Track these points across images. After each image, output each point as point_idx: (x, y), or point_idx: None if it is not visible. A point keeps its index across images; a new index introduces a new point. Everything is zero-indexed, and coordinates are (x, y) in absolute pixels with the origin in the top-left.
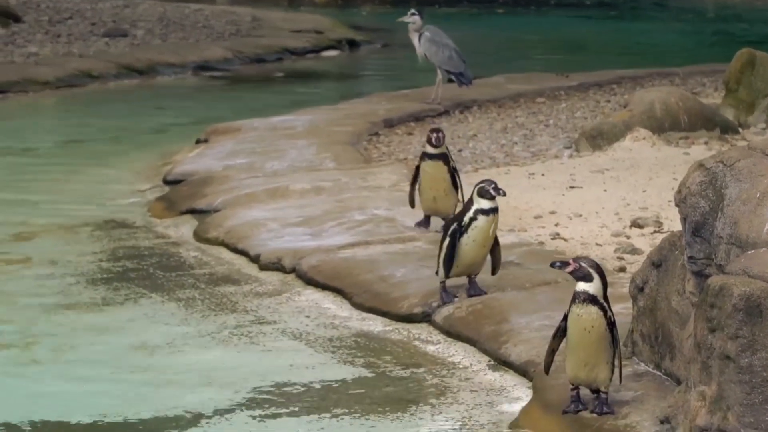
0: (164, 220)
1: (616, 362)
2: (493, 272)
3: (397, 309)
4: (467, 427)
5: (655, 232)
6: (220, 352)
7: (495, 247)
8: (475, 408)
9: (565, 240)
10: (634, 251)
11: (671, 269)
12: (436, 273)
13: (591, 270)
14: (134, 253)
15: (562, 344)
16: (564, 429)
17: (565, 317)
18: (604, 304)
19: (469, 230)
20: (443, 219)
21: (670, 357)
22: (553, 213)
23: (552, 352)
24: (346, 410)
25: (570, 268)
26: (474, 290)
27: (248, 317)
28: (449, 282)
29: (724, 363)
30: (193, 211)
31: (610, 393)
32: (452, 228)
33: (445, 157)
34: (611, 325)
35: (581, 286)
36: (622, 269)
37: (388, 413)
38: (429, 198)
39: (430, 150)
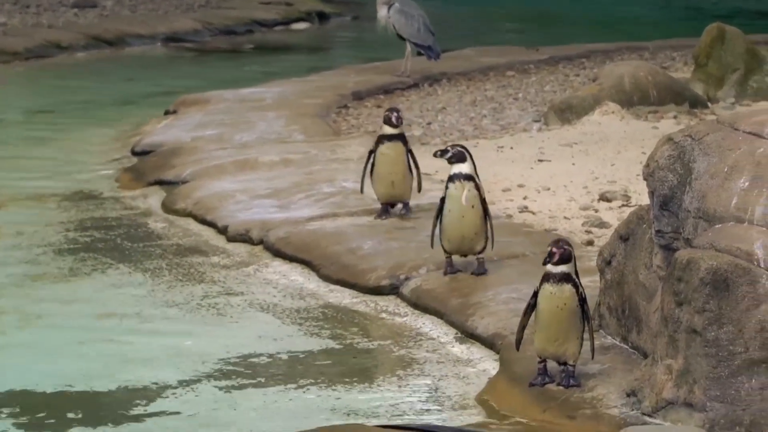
0: (132, 191)
1: (587, 336)
2: (492, 247)
3: (364, 281)
4: (434, 398)
5: (623, 205)
6: (187, 323)
7: (488, 221)
8: (442, 380)
9: (533, 213)
10: (602, 225)
11: (639, 243)
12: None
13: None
14: (102, 224)
15: (532, 318)
16: (531, 401)
17: (535, 294)
18: (577, 281)
19: (446, 200)
20: (402, 203)
21: (636, 330)
22: (521, 186)
23: (522, 328)
24: (313, 381)
25: (556, 257)
26: (478, 270)
27: (216, 288)
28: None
29: (691, 337)
30: (161, 183)
31: (577, 366)
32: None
33: (403, 138)
34: (582, 301)
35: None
36: (590, 243)
37: (355, 385)
38: (387, 183)
39: (388, 131)
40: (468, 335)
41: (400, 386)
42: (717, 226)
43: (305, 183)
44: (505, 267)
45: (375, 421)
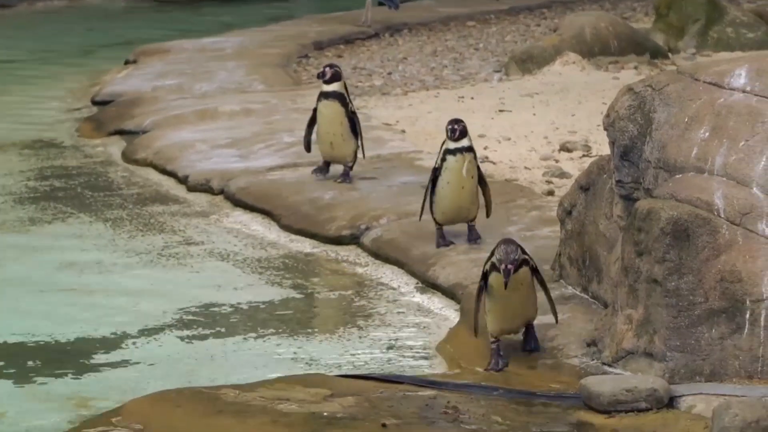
0: (93, 140)
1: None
2: (487, 215)
3: (325, 231)
4: (394, 348)
5: (583, 156)
6: (148, 273)
7: (484, 188)
8: (403, 329)
9: (494, 163)
10: (563, 175)
11: (599, 193)
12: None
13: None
14: (62, 173)
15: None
16: (490, 348)
17: (485, 275)
18: (529, 258)
19: (442, 172)
20: (343, 165)
21: (597, 280)
22: (482, 136)
23: (478, 311)
24: (274, 331)
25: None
26: (472, 236)
27: (176, 238)
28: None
29: (651, 286)
30: (121, 132)
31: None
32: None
33: (341, 98)
34: (535, 272)
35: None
36: (551, 193)
37: (315, 334)
38: (325, 142)
39: (323, 87)
40: (429, 285)
41: (360, 336)
42: (677, 176)
43: (266, 133)
44: None
45: (336, 371)
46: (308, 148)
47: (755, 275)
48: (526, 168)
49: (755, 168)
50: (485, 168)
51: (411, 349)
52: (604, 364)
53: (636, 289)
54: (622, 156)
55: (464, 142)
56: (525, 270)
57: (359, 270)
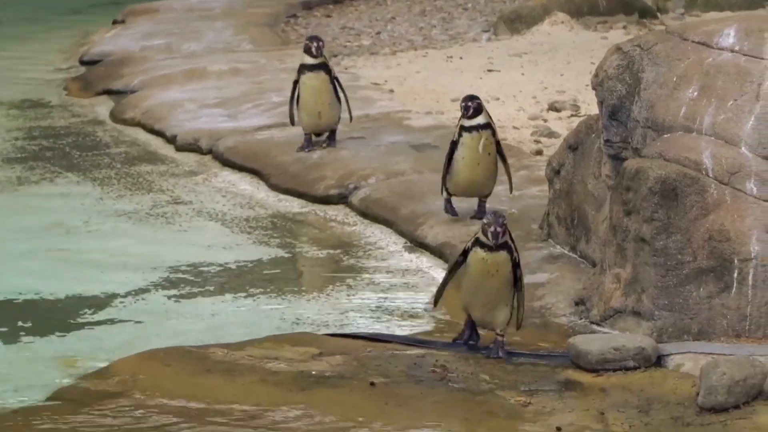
0: (81, 100)
1: (516, 304)
2: (510, 190)
3: (313, 191)
4: (383, 308)
5: (572, 115)
6: (136, 232)
7: (505, 164)
8: (391, 288)
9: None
10: (551, 134)
11: (587, 152)
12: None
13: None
14: (50, 133)
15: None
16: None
17: (465, 252)
18: (512, 245)
19: (458, 147)
20: (327, 133)
21: (585, 239)
22: None
23: (445, 285)
24: (262, 291)
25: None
26: (479, 214)
27: (164, 197)
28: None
29: (639, 246)
30: (109, 92)
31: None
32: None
33: (326, 67)
34: (516, 266)
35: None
36: (539, 152)
37: (303, 294)
38: (313, 113)
39: (309, 60)
40: (417, 244)
41: (349, 295)
42: (665, 135)
43: (254, 92)
44: None
45: (324, 330)
46: (293, 122)
47: (743, 234)
48: (514, 128)
49: (743, 127)
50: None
51: (399, 308)
52: (592, 323)
53: (624, 249)
54: (610, 115)
55: (479, 120)
56: (506, 256)
57: (347, 229)
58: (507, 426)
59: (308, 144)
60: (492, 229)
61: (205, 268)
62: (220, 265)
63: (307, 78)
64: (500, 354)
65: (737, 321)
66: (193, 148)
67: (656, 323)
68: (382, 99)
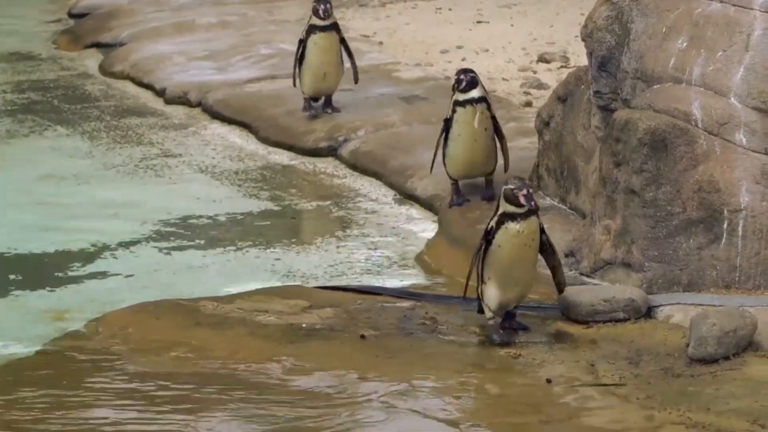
0: (69, 53)
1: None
2: (505, 169)
3: (303, 143)
4: (372, 260)
5: (561, 67)
6: (126, 185)
7: (501, 141)
8: (381, 240)
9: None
10: (541, 86)
11: (577, 104)
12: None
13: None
14: (39, 86)
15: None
16: (467, 259)
17: (488, 233)
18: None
19: (453, 124)
20: (326, 96)
21: (575, 191)
22: (459, 48)
23: (470, 275)
24: (252, 243)
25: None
26: (489, 194)
27: (154, 150)
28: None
29: (629, 197)
30: (98, 45)
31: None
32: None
33: (336, 27)
34: (542, 231)
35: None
36: (528, 104)
37: (293, 245)
38: (319, 75)
39: (319, 23)
40: (406, 197)
41: (338, 247)
42: (655, 86)
43: (243, 45)
44: None
45: (314, 283)
46: (296, 83)
47: (733, 185)
48: (504, 79)
49: (733, 78)
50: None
51: (389, 259)
52: (582, 274)
53: (614, 200)
54: (599, 67)
55: (474, 93)
56: (536, 220)
57: (337, 182)
58: (497, 378)
59: (310, 107)
60: (524, 192)
61: (195, 221)
62: (210, 218)
63: (318, 38)
64: (517, 325)
65: (727, 272)
66: (182, 101)
67: (646, 274)
68: (371, 51)
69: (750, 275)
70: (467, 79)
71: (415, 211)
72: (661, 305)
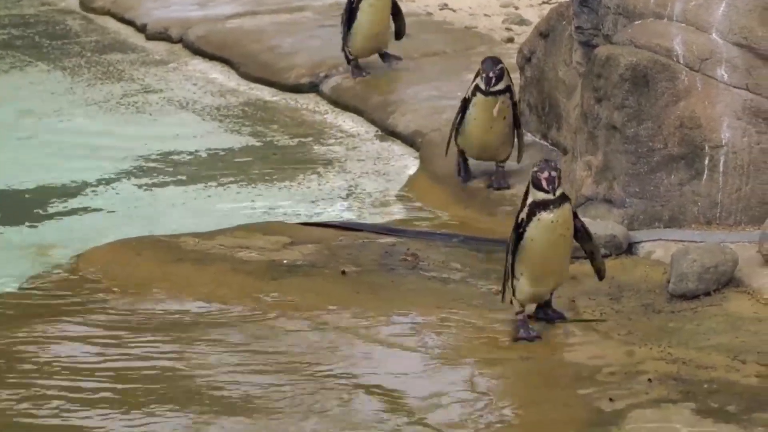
0: None
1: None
2: (518, 159)
3: (284, 79)
4: (354, 195)
5: (543, 2)
6: (107, 121)
7: (519, 131)
8: (363, 176)
9: (454, 11)
10: (522, 22)
11: (559, 40)
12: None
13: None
14: (19, 21)
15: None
16: (452, 198)
17: (519, 226)
18: (576, 214)
19: (471, 107)
20: (380, 53)
21: (557, 127)
22: None
23: (507, 276)
24: (233, 178)
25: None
26: (497, 182)
27: (135, 86)
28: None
29: (611, 133)
30: None
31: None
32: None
33: None
34: (576, 216)
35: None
36: (510, 40)
37: (275, 181)
38: (371, 35)
39: None
40: (388, 133)
41: (320, 184)
42: (636, 22)
43: None
44: (425, 65)
45: (295, 219)
46: (344, 48)
47: (714, 121)
48: (485, 15)
49: (714, 13)
50: (444, 15)
51: (371, 196)
52: None
53: (595, 136)
54: (581, 2)
55: (499, 86)
56: (569, 207)
57: (318, 118)
58: (478, 314)
59: (358, 70)
60: (545, 175)
61: (176, 157)
62: (191, 154)
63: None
64: (554, 315)
65: (708, 208)
66: (163, 37)
67: (627, 210)
68: None
69: (731, 211)
70: (496, 74)
71: (397, 147)
72: (642, 241)
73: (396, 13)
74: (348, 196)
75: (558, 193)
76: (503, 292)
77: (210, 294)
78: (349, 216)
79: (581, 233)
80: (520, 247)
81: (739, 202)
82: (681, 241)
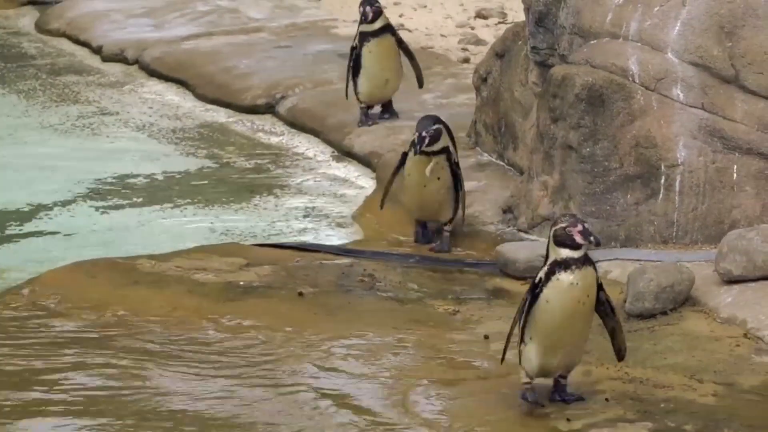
0: (5, 10)
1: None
2: (462, 221)
3: (240, 100)
4: (311, 217)
5: (499, 23)
6: (63, 143)
7: (458, 193)
8: (319, 198)
9: (410, 31)
10: (478, 42)
11: (514, 60)
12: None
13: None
14: None
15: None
16: (406, 216)
17: (535, 287)
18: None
19: (407, 164)
20: (382, 106)
21: (513, 147)
22: (397, 4)
23: (509, 339)
24: (189, 201)
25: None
26: (438, 246)
27: (91, 108)
28: None
29: (566, 153)
30: (34, 2)
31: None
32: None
33: (391, 29)
34: (600, 287)
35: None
36: (466, 60)
37: (231, 203)
38: (380, 82)
39: (368, 28)
40: (344, 154)
41: (277, 205)
42: (592, 42)
43: (180, 2)
44: None
45: (252, 241)
46: (348, 96)
47: (670, 140)
48: (441, 35)
49: (670, 33)
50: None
51: (327, 217)
52: (519, 230)
53: (551, 156)
54: (537, 22)
55: (435, 147)
56: (593, 272)
57: (275, 139)
58: (435, 334)
59: (366, 116)
60: (579, 228)
61: (132, 180)
62: (147, 176)
63: (373, 45)
64: (569, 398)
65: (664, 227)
66: (119, 58)
67: None
68: (308, 7)
69: (687, 230)
70: (430, 135)
71: (353, 168)
72: (599, 261)
73: (410, 58)
74: (305, 217)
75: (580, 253)
76: (503, 353)
77: (166, 316)
78: (305, 237)
79: (604, 306)
80: (534, 308)
81: (696, 222)
82: (637, 260)
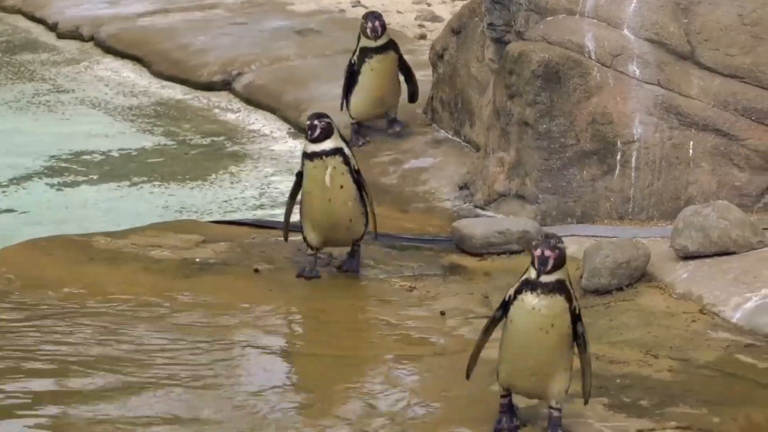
0: None
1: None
2: (374, 234)
3: (196, 77)
4: (266, 194)
5: None
6: (18, 121)
7: (367, 206)
8: (275, 175)
9: (366, 8)
10: (435, 18)
11: (471, 36)
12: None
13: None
14: None
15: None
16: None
17: (505, 305)
18: (571, 290)
19: (305, 180)
20: (386, 117)
21: (469, 124)
22: None
23: (478, 353)
24: (145, 178)
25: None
26: (347, 265)
27: (46, 86)
28: None
29: (523, 129)
30: None
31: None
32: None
33: (394, 46)
34: (576, 319)
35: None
36: (423, 37)
37: (187, 181)
38: (374, 100)
39: (371, 44)
40: (300, 130)
41: (232, 182)
42: (548, 18)
43: None
44: (337, 61)
45: (208, 218)
46: (342, 109)
47: (626, 117)
48: (398, 12)
49: (626, 9)
50: (357, 12)
51: (283, 194)
52: (476, 207)
53: (508, 132)
54: None
55: (326, 145)
56: (563, 304)
57: (231, 116)
58: (391, 311)
59: (357, 136)
60: (538, 252)
61: (88, 157)
62: (103, 154)
63: (375, 62)
64: None
65: (620, 203)
66: (74, 35)
67: (540, 206)
68: None
69: (643, 206)
70: (321, 127)
71: None
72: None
73: (408, 75)
74: (261, 194)
75: (549, 278)
76: (469, 369)
77: (122, 293)
78: (261, 214)
79: (579, 341)
80: (504, 327)
81: (651, 198)
82: (594, 236)
